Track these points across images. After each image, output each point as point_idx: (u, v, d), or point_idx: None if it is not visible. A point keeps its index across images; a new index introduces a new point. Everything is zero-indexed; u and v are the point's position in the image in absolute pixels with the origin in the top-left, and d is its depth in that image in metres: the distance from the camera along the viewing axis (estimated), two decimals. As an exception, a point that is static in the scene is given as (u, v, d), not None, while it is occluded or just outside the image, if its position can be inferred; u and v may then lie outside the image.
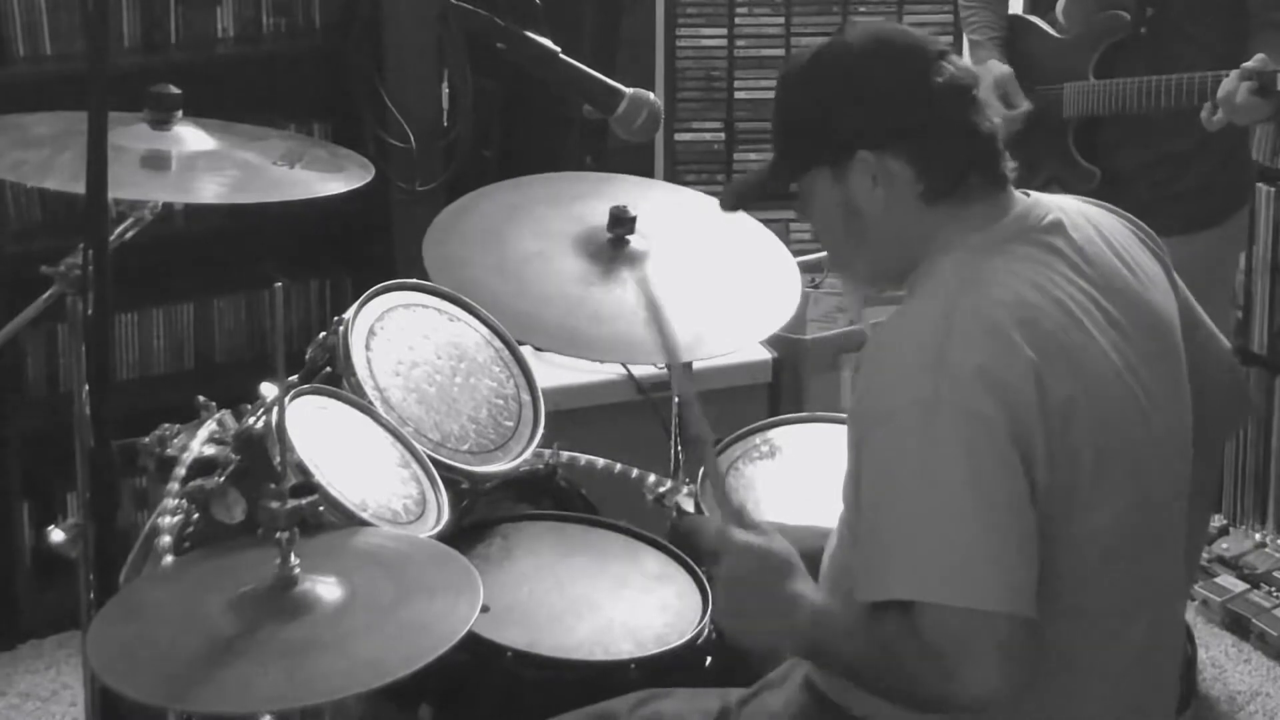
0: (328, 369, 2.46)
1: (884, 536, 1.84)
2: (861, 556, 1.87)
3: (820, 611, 1.90)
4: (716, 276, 2.79)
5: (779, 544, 1.93)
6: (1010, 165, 1.99)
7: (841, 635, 1.87)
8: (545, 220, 2.81)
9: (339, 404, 2.40)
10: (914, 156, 1.94)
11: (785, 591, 1.89)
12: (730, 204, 2.20)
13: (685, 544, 2.50)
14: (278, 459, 2.10)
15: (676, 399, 2.20)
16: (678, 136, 4.09)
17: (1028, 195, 2.02)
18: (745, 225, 2.89)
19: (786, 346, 3.50)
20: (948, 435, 1.80)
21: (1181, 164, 3.04)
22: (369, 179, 2.60)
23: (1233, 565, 3.77)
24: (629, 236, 2.76)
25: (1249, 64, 2.74)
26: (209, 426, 2.40)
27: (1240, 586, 3.71)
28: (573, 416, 3.02)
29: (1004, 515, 1.80)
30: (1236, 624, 3.63)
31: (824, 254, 3.70)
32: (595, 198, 2.83)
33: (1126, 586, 1.94)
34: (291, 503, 2.01)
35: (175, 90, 2.54)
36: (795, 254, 2.91)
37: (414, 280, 2.66)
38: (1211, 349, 2.17)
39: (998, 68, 3.14)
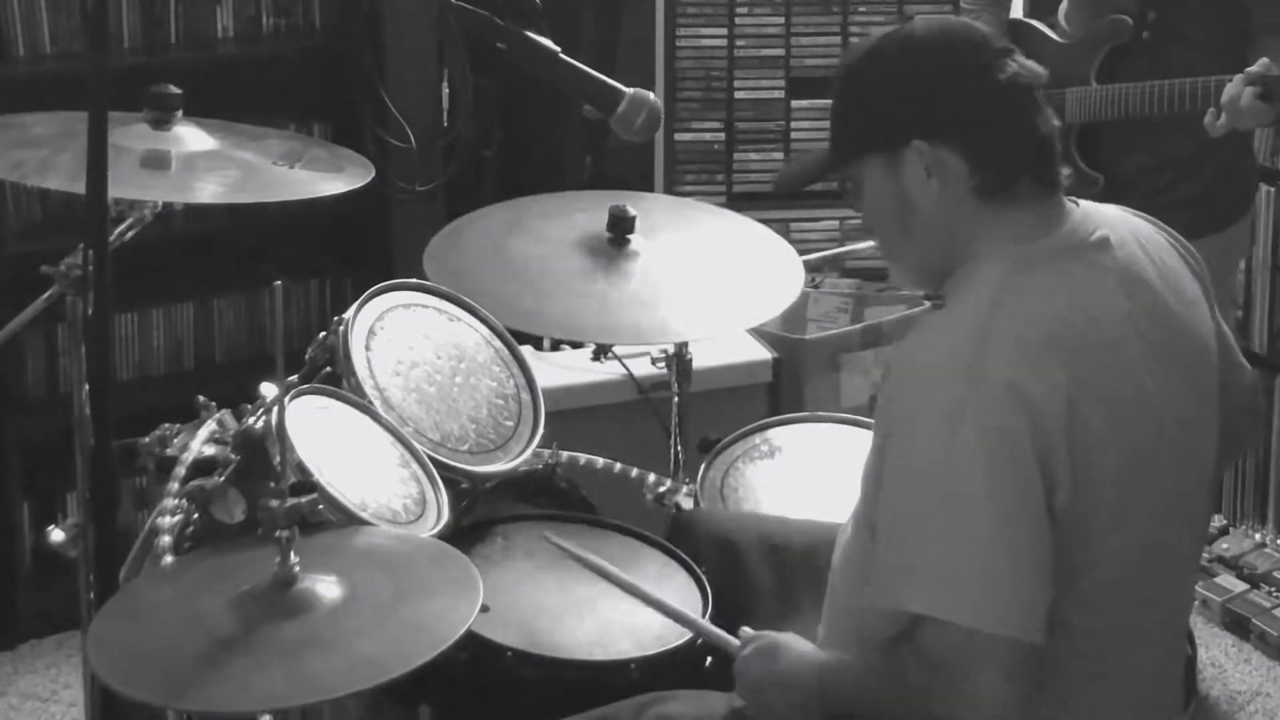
0: (328, 369, 2.46)
1: (902, 545, 1.83)
2: (878, 561, 1.86)
3: (828, 668, 1.95)
4: (716, 276, 2.79)
5: (765, 636, 2.06)
6: (1065, 172, 1.97)
7: (855, 683, 1.92)
8: (544, 230, 2.80)
9: (339, 404, 2.39)
10: (969, 150, 1.91)
11: (786, 665, 1.99)
12: (783, 186, 2.18)
13: (685, 542, 2.50)
14: (278, 459, 2.10)
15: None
16: (678, 136, 4.08)
17: (1077, 204, 1.99)
18: (745, 227, 2.89)
19: (786, 346, 3.50)
20: (971, 448, 1.78)
21: (1184, 169, 3.03)
22: (369, 179, 2.60)
23: (1233, 565, 3.77)
24: (629, 237, 2.75)
25: (1253, 69, 2.72)
26: (209, 426, 2.40)
27: (1240, 586, 3.71)
28: (573, 416, 3.02)
29: (1021, 535, 1.79)
30: (1236, 624, 3.62)
31: (838, 251, 3.70)
32: (593, 210, 2.82)
33: (1137, 607, 1.93)
34: (291, 502, 2.01)
35: (175, 90, 2.54)
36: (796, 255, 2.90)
37: (414, 280, 2.66)
38: (1236, 373, 2.14)
39: None
